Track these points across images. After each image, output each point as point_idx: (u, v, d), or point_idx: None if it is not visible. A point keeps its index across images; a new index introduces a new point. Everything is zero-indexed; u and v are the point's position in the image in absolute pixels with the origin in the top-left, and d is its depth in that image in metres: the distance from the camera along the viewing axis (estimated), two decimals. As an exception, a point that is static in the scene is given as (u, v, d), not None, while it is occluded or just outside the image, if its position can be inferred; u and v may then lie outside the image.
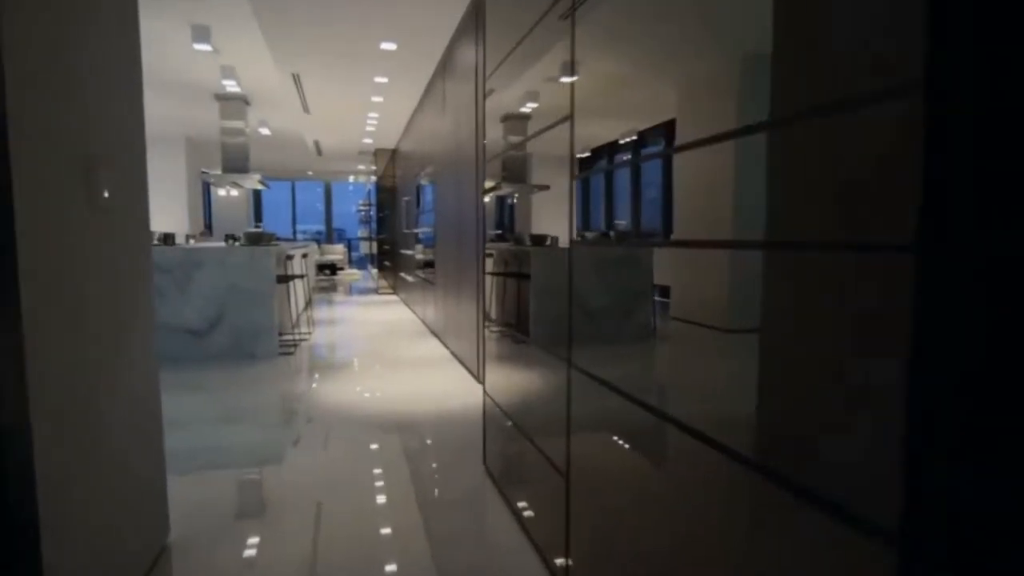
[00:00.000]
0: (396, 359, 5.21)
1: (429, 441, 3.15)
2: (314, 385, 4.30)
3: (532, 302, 2.18)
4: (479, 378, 4.32)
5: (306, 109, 8.21)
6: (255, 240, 5.75)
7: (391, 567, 1.89)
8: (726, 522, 1.02)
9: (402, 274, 9.72)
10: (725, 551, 1.01)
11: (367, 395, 3.98)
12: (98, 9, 1.52)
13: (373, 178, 13.88)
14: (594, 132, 1.62)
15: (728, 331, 1.06)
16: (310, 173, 17.78)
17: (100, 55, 1.54)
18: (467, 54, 4.67)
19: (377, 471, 2.68)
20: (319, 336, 6.39)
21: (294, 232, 19.84)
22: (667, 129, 1.25)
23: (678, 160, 1.21)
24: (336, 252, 16.85)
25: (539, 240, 2.14)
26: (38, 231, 1.22)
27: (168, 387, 4.42)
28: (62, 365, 1.30)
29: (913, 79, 0.63)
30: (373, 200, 14.11)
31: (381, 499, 2.39)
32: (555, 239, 1.97)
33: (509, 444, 2.35)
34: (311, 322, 7.16)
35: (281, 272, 5.70)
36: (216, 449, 2.98)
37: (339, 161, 14.26)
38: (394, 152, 11.43)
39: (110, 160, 1.55)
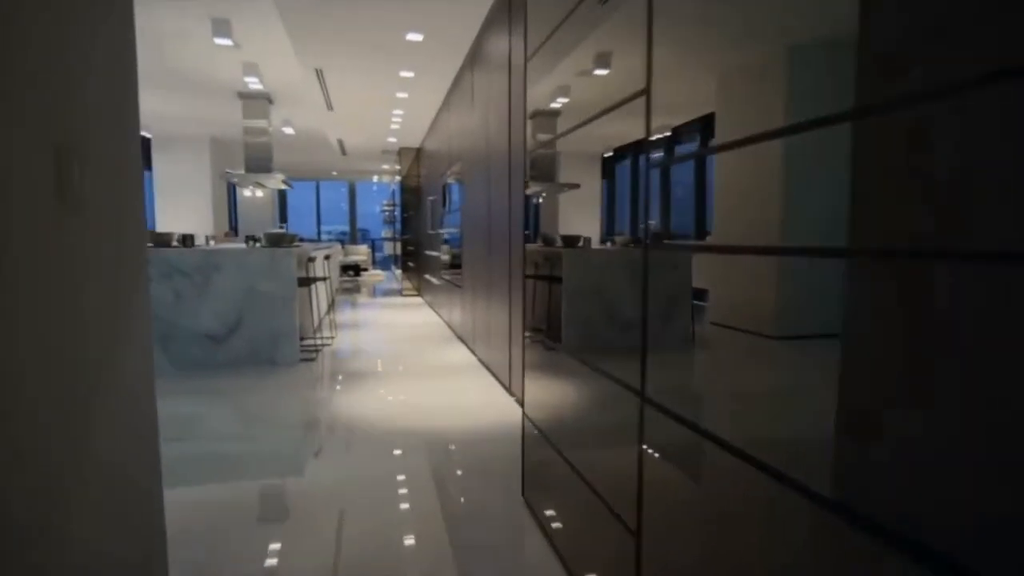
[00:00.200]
0: (422, 367, 4.93)
1: (459, 466, 2.85)
2: (335, 396, 4.03)
3: (565, 306, 2.00)
4: (510, 389, 4.02)
5: (329, 107, 8.01)
6: (276, 241, 5.53)
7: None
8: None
9: (427, 276, 9.47)
10: None
11: (391, 409, 3.71)
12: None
13: (397, 178, 13.70)
14: (618, 130, 1.53)
15: (776, 338, 0.99)
16: (334, 173, 17.69)
17: (79, 34, 1.28)
18: (498, 44, 4.37)
19: (403, 505, 2.39)
20: (342, 341, 6.16)
21: (318, 233, 19.79)
22: (701, 124, 1.19)
23: (714, 157, 1.13)
24: (360, 253, 16.72)
25: (571, 241, 2.01)
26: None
27: (182, 394, 4.24)
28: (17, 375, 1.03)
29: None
30: (397, 200, 13.93)
31: (408, 540, 2.10)
32: (587, 240, 1.88)
33: (555, 479, 2.04)
34: (334, 326, 6.94)
35: (303, 274, 5.47)
36: (224, 462, 2.72)
37: (363, 160, 14.10)
38: (419, 151, 11.21)
39: (84, 151, 1.29)
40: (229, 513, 2.28)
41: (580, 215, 1.98)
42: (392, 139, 10.63)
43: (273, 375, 4.59)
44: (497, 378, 4.44)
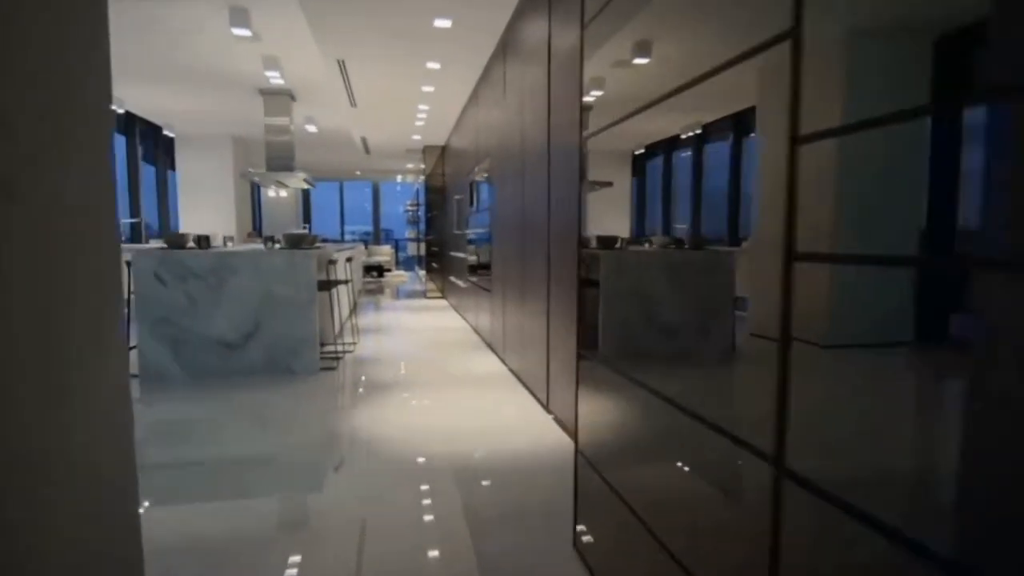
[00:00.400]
0: (449, 378, 4.58)
1: (494, 505, 2.47)
2: (356, 411, 3.69)
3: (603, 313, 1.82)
4: (548, 406, 3.64)
5: (353, 103, 7.72)
6: (295, 242, 5.23)
7: None
8: None
9: (452, 278, 9.13)
10: None
11: (417, 428, 3.35)
12: None
13: (421, 177, 13.42)
14: (659, 126, 1.46)
15: (827, 347, 0.91)
16: (358, 173, 17.49)
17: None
18: (536, 28, 3.99)
19: (432, 552, 2.03)
20: (365, 347, 5.83)
21: (342, 233, 19.62)
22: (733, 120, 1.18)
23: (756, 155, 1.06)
24: (383, 253, 16.49)
25: (608, 242, 1.88)
26: None
27: (189, 404, 3.95)
28: None
29: None
30: (421, 200, 13.65)
31: (440, 603, 1.73)
32: (624, 240, 1.80)
33: (618, 528, 1.65)
34: (356, 331, 6.63)
35: (323, 277, 5.16)
36: (230, 485, 2.40)
37: (387, 160, 13.84)
38: (443, 149, 10.89)
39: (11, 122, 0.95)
40: (227, 548, 1.95)
41: (610, 215, 1.92)
42: (416, 136, 10.33)
43: (291, 385, 4.28)
44: (532, 392, 4.06)
